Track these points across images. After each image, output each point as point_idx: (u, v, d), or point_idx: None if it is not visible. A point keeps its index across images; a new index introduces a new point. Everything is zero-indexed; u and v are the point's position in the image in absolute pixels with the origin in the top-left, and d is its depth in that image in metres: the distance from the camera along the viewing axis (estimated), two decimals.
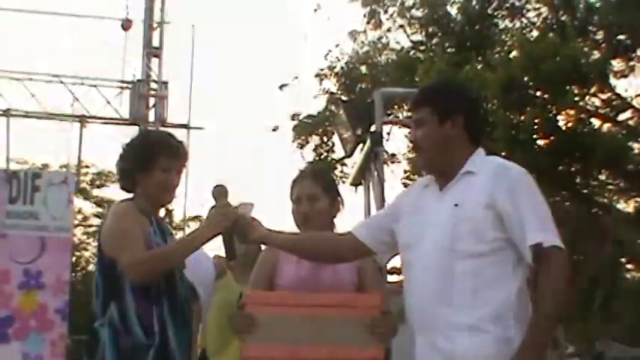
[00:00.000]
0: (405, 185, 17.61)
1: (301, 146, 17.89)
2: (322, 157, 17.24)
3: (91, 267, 34.53)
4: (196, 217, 32.34)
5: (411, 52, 16.59)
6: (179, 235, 22.35)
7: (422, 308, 3.04)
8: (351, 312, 3.20)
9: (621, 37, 13.60)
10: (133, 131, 17.23)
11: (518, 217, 2.93)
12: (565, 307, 3.02)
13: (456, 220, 3.00)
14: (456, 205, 3.03)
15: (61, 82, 17.15)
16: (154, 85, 17.28)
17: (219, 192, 3.34)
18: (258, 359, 3.16)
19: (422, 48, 16.44)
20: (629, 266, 21.39)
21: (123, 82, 17.35)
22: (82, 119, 17.20)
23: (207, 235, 3.33)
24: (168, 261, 3.35)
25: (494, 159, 3.20)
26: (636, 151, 15.13)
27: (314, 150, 17.81)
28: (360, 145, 7.19)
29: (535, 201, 3.01)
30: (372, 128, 6.82)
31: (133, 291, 3.35)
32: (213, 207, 3.32)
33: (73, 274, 22.97)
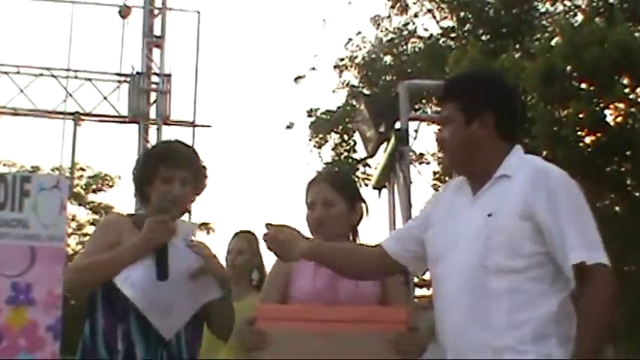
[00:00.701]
0: (435, 188, 17.65)
1: (319, 145, 17.97)
2: (342, 157, 17.30)
3: None
4: (203, 224, 32.54)
5: (441, 40, 16.66)
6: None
7: (455, 329, 3.04)
8: (373, 327, 3.20)
9: None
10: (132, 130, 17.39)
11: (558, 231, 2.92)
12: (612, 326, 3.03)
13: (490, 231, 2.99)
14: (490, 215, 3.01)
15: (53, 76, 17.23)
16: (155, 79, 17.32)
17: (164, 202, 3.37)
18: None
19: (453, 35, 16.49)
20: None
21: (121, 75, 17.40)
22: (76, 117, 17.26)
23: (138, 250, 3.38)
24: (94, 272, 3.43)
25: (533, 160, 3.16)
26: None
27: (333, 149, 17.89)
28: (384, 144, 7.21)
29: (578, 211, 2.99)
30: (397, 125, 6.83)
31: (104, 307, 3.43)
32: (151, 219, 3.34)
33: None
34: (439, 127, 3.24)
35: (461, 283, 3.02)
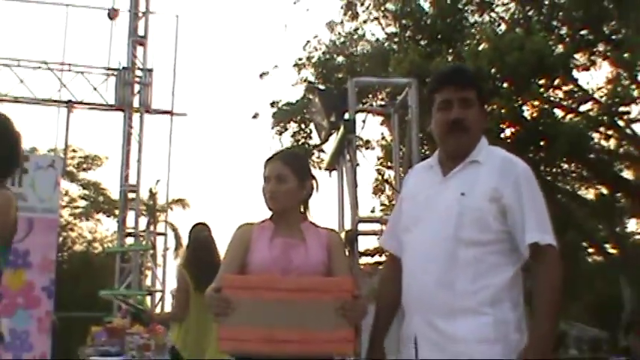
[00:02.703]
0: (379, 171, 17.71)
1: (280, 133, 17.93)
2: (300, 143, 17.26)
3: (77, 247, 34.49)
4: (179, 200, 32.37)
5: (386, 44, 16.63)
6: (162, 217, 22.24)
7: (423, 291, 3.05)
8: (323, 296, 3.18)
9: (584, 32, 13.68)
10: (118, 117, 17.29)
11: (520, 214, 2.96)
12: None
13: (462, 208, 3.00)
14: (463, 194, 3.02)
15: (49, 69, 17.06)
16: (138, 73, 17.23)
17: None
18: (233, 341, 3.14)
19: (395, 40, 16.46)
20: (590, 250, 21.60)
21: (109, 69, 17.28)
22: (69, 105, 17.12)
23: None
24: None
25: (499, 151, 3.17)
26: (597, 140, 15.29)
27: (292, 136, 17.85)
28: (335, 132, 7.21)
29: (536, 199, 3.03)
30: (346, 116, 6.81)
31: None
32: None
33: (59, 254, 22.90)
34: (454, 108, 3.10)
35: (432, 252, 3.03)
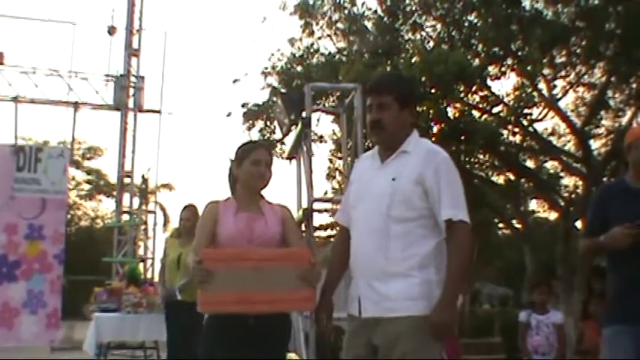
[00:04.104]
0: (330, 161, 17.71)
1: (249, 129, 17.78)
2: (265, 137, 17.17)
3: (82, 223, 34.06)
4: (166, 185, 32.07)
5: (336, 56, 16.58)
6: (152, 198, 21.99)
7: (364, 258, 3.08)
8: (287, 263, 3.20)
9: (495, 49, 13.77)
10: (116, 115, 17.14)
11: (437, 195, 2.98)
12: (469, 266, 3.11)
13: (393, 191, 3.02)
14: (394, 179, 3.04)
15: (59, 76, 16.88)
16: (133, 79, 17.11)
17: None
18: (215, 304, 3.14)
19: (344, 53, 16.44)
20: (500, 225, 21.81)
21: (108, 75, 17.16)
22: (76, 105, 16.98)
23: None
24: None
25: (426, 143, 3.19)
26: (506, 136, 15.44)
27: (259, 132, 17.72)
28: (294, 128, 7.20)
29: (452, 183, 3.04)
30: (304, 114, 6.82)
31: None
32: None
33: (68, 228, 22.62)
34: (373, 111, 3.15)
35: (370, 227, 3.06)
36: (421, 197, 3.00)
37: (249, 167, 3.43)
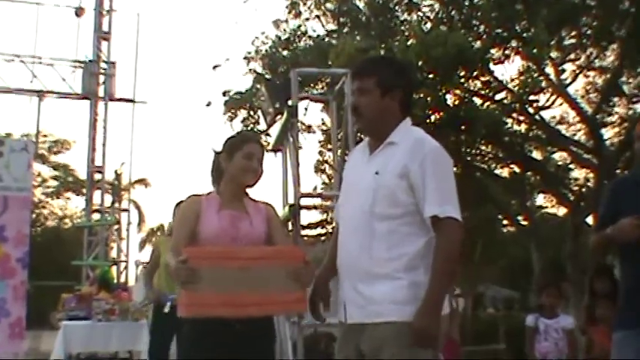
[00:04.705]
0: (320, 153, 17.74)
1: (231, 119, 17.79)
2: (249, 128, 17.17)
3: (49, 223, 33.98)
4: (141, 180, 32.05)
5: (325, 39, 16.59)
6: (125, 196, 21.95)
7: (348, 259, 3.08)
8: (278, 262, 3.19)
9: (499, 30, 13.80)
10: (85, 105, 17.06)
11: (423, 190, 2.94)
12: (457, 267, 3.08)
13: (376, 185, 2.99)
14: (377, 173, 3.01)
15: (22, 61, 16.78)
16: (103, 65, 17.04)
17: None
18: (200, 306, 3.12)
19: (334, 36, 16.45)
20: (504, 222, 21.90)
21: (76, 61, 17.07)
22: (40, 94, 16.90)
23: None
24: None
25: (415, 132, 3.14)
26: (510, 125, 15.49)
27: (242, 122, 17.72)
28: (280, 117, 7.21)
29: (440, 176, 2.98)
30: (290, 103, 6.82)
31: None
32: None
33: (33, 229, 22.56)
34: (355, 96, 3.15)
35: (354, 225, 3.05)
36: (406, 192, 2.96)
37: (242, 161, 3.41)
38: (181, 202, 3.59)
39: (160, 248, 6.87)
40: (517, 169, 17.30)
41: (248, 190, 3.51)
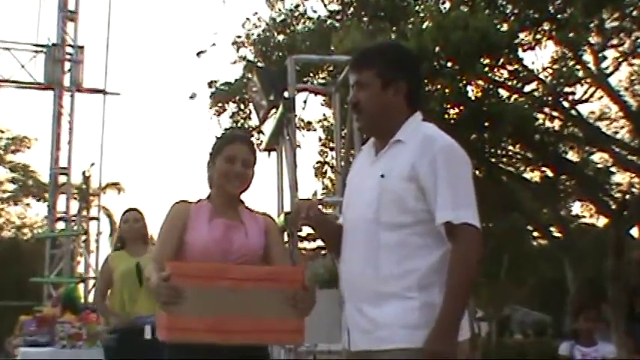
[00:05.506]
0: (321, 153, 17.76)
1: (218, 113, 17.83)
2: (239, 124, 17.21)
3: (4, 233, 34.00)
4: (113, 184, 32.05)
5: (327, 22, 16.62)
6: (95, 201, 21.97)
7: (350, 276, 3.07)
8: (274, 285, 3.17)
9: (529, 10, 13.81)
10: (48, 96, 17.07)
11: (434, 192, 2.91)
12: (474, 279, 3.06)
13: (381, 190, 2.98)
14: (382, 175, 3.00)
15: None
16: (69, 50, 17.04)
17: None
18: (182, 330, 3.10)
19: (338, 17, 16.47)
20: (534, 233, 21.91)
21: (37, 45, 17.07)
22: None
23: None
24: None
25: (426, 127, 3.12)
26: (541, 121, 15.50)
27: (231, 117, 17.76)
28: (274, 111, 7.21)
29: (453, 176, 2.96)
30: (286, 94, 6.81)
31: None
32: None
33: None
34: (354, 91, 3.15)
35: (358, 236, 3.04)
36: (416, 197, 2.94)
37: (222, 165, 3.42)
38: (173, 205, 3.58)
39: (112, 262, 6.79)
40: (549, 173, 17.31)
41: (244, 199, 3.52)
